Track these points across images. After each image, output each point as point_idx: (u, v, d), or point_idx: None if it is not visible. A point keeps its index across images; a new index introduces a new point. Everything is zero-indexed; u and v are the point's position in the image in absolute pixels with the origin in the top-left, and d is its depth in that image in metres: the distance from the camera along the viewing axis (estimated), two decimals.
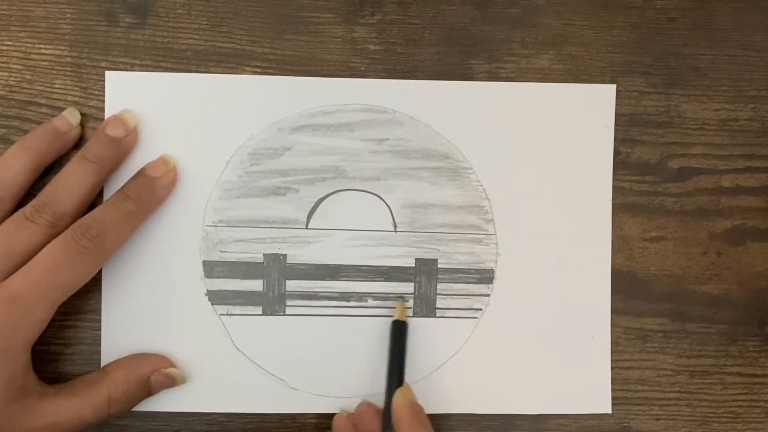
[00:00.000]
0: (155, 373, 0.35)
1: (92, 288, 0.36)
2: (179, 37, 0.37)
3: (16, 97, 0.37)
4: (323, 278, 0.37)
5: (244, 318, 0.37)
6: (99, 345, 0.36)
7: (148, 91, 0.37)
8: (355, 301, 0.37)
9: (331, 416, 0.37)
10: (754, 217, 0.39)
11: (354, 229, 0.37)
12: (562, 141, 0.38)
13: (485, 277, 0.38)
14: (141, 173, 0.36)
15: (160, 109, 0.37)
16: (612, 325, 0.38)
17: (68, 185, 0.34)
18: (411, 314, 0.37)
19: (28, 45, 0.37)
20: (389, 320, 0.37)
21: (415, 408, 0.34)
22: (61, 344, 0.37)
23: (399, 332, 0.36)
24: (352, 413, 0.36)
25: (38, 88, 0.37)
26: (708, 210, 0.39)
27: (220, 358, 0.37)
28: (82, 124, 0.36)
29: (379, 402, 0.36)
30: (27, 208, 0.33)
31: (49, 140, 0.35)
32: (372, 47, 0.38)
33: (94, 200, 0.35)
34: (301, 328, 0.37)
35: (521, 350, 0.38)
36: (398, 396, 0.34)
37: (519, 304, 0.38)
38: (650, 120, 0.38)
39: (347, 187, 0.37)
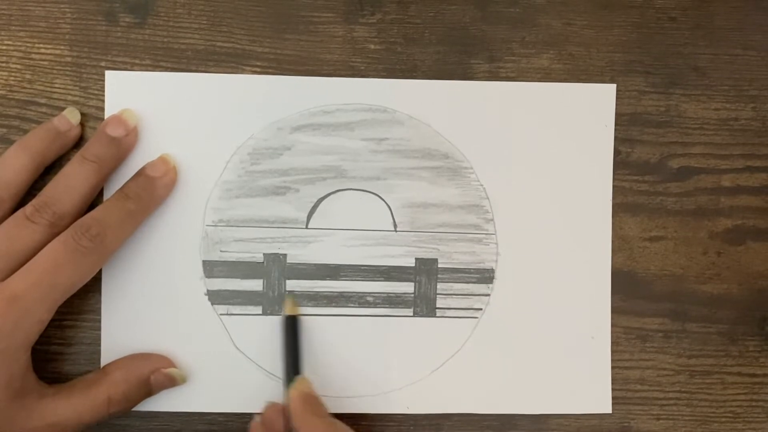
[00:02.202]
0: (155, 373, 0.35)
1: (92, 288, 0.36)
2: (179, 36, 0.37)
3: (16, 97, 0.37)
4: (323, 278, 0.37)
5: (244, 318, 0.37)
6: (99, 345, 0.36)
7: (148, 90, 0.37)
8: (355, 300, 0.37)
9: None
10: (754, 216, 0.39)
11: (354, 229, 0.37)
12: (562, 141, 0.38)
13: (485, 276, 0.38)
14: (141, 173, 0.36)
15: (160, 109, 0.37)
16: (612, 325, 0.38)
17: (68, 185, 0.34)
18: (411, 314, 0.37)
19: (28, 45, 0.37)
20: (390, 320, 0.37)
21: (308, 397, 0.33)
22: (61, 344, 0.37)
23: (291, 328, 0.36)
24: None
25: (38, 87, 0.37)
26: (708, 210, 0.39)
27: (220, 358, 0.37)
28: (82, 124, 0.36)
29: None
30: (27, 208, 0.33)
31: (49, 140, 0.35)
32: (372, 47, 0.38)
33: (94, 200, 0.35)
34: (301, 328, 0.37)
35: (521, 350, 0.38)
36: (293, 389, 0.33)
37: (519, 304, 0.38)
38: (650, 120, 0.38)
39: (347, 186, 0.37)
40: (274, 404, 0.35)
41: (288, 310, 0.36)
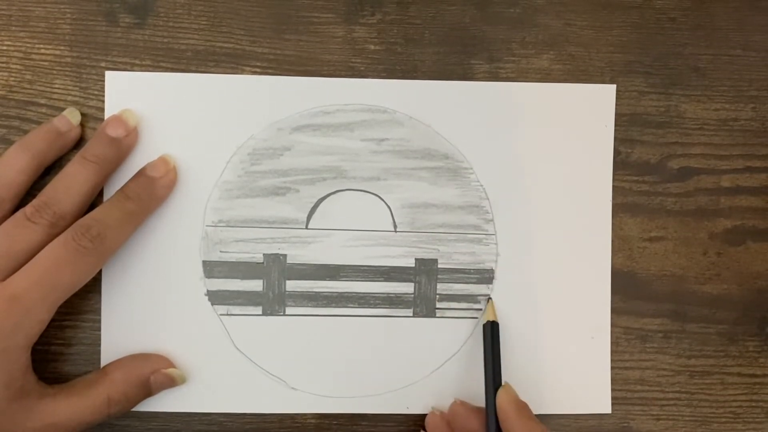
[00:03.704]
0: (155, 373, 0.35)
1: (92, 288, 0.36)
2: (179, 37, 0.37)
3: (16, 97, 0.37)
4: (323, 278, 0.37)
5: (244, 318, 0.37)
6: (99, 345, 0.36)
7: (148, 91, 0.37)
8: (355, 301, 0.37)
9: (331, 416, 0.37)
10: (754, 217, 0.39)
11: (354, 229, 0.37)
12: (562, 141, 0.38)
13: (485, 277, 0.38)
14: (141, 173, 0.36)
15: (160, 109, 0.37)
16: (612, 325, 0.38)
17: (69, 185, 0.34)
18: (411, 314, 0.37)
19: (28, 45, 0.37)
20: (390, 320, 0.37)
21: (519, 402, 0.34)
22: (61, 344, 0.37)
23: (491, 333, 0.36)
24: (445, 412, 0.36)
25: (38, 88, 0.37)
26: (708, 210, 0.39)
27: (220, 358, 0.37)
28: (82, 124, 0.36)
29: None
30: (27, 208, 0.33)
31: (49, 140, 0.35)
32: (372, 47, 0.38)
33: (95, 200, 0.35)
34: (301, 328, 0.37)
35: (521, 350, 0.38)
36: (502, 394, 0.34)
37: (519, 304, 0.38)
38: (650, 120, 0.38)
39: (347, 187, 0.37)
40: (464, 403, 0.36)
41: (489, 316, 0.37)
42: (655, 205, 0.38)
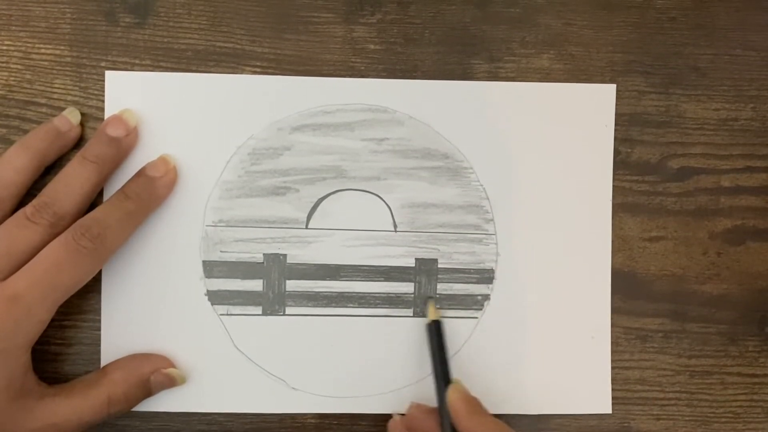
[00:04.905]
0: (155, 373, 0.35)
1: (92, 288, 0.36)
2: (179, 37, 0.37)
3: (16, 97, 0.37)
4: (323, 278, 0.37)
5: (243, 318, 0.37)
6: (99, 345, 0.36)
7: (148, 91, 0.37)
8: (355, 301, 0.37)
9: (331, 416, 0.37)
10: (754, 217, 0.39)
11: (354, 229, 0.37)
12: (562, 141, 0.38)
13: (485, 277, 0.38)
14: (141, 173, 0.36)
15: (160, 109, 0.37)
16: (612, 325, 0.38)
17: (69, 185, 0.34)
18: (411, 314, 0.37)
19: (28, 45, 0.37)
20: (390, 320, 0.37)
21: (470, 398, 0.34)
22: (61, 344, 0.37)
23: (436, 332, 0.36)
24: (405, 416, 0.36)
25: (38, 87, 0.37)
26: (708, 210, 0.39)
27: (220, 358, 0.37)
28: (82, 124, 0.36)
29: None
30: (27, 208, 0.33)
31: (49, 140, 0.35)
32: (372, 47, 0.38)
33: (95, 200, 0.35)
34: (301, 328, 0.37)
35: (521, 350, 0.38)
36: (451, 391, 0.34)
37: (519, 304, 0.38)
38: (650, 120, 0.38)
39: (347, 186, 0.37)
40: (420, 405, 0.36)
41: (432, 315, 0.37)
42: (655, 205, 0.38)
